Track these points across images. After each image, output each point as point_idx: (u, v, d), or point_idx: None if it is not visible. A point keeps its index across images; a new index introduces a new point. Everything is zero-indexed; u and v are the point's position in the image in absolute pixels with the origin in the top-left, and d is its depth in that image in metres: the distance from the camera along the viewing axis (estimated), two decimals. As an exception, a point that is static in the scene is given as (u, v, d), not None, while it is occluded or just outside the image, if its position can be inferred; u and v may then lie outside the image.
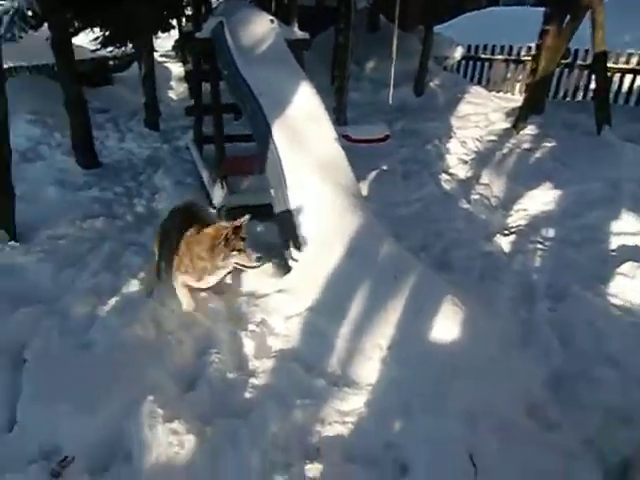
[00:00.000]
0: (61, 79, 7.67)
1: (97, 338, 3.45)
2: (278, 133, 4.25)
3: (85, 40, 13.42)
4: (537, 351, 3.31)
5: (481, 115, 9.82)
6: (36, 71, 12.29)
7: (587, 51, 10.26)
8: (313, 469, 2.47)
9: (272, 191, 4.38)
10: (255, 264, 3.50)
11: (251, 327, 3.61)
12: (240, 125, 7.84)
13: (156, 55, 12.91)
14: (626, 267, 4.23)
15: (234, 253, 3.41)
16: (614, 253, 4.68)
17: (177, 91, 14.28)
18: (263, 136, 4.40)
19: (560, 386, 3.06)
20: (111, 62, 15.66)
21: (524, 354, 3.27)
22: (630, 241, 4.79)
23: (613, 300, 3.93)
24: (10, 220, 5.14)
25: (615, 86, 10.62)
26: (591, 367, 3.17)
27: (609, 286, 4.10)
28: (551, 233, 5.23)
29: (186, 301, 3.82)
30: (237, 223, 3.41)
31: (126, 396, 2.80)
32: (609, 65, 8.74)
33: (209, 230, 3.53)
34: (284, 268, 4.22)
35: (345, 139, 6.45)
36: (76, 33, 10.69)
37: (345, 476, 2.45)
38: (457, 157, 7.77)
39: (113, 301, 3.84)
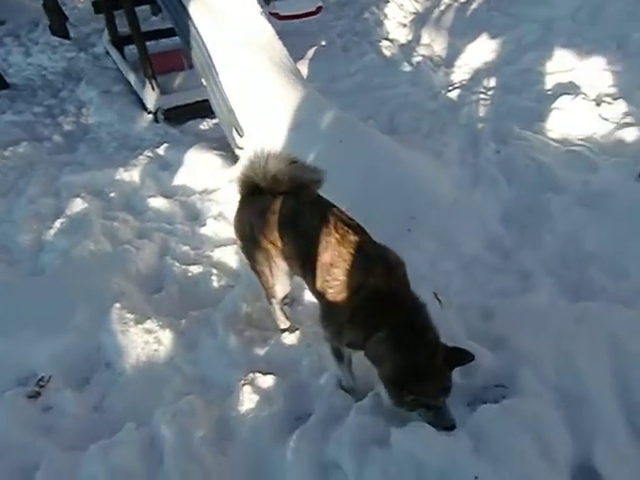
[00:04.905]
0: None
1: (48, 262, 3.33)
2: (195, 12, 3.89)
3: None
4: (487, 191, 3.44)
5: (418, -26, 9.32)
6: None
7: None
8: (291, 337, 2.50)
9: (203, 81, 4.11)
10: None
11: (209, 221, 3.57)
12: (161, 21, 7.23)
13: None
14: (560, 101, 4.42)
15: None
16: (550, 92, 4.82)
17: (83, -11, 12.75)
18: (182, 22, 4.04)
19: (510, 220, 3.23)
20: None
21: (475, 195, 3.39)
22: (564, 78, 4.95)
23: (551, 134, 4.12)
24: None
25: None
26: (537, 197, 3.32)
27: (547, 122, 4.28)
28: (492, 82, 5.32)
29: None
30: None
31: (92, 309, 2.74)
32: None
33: None
34: (232, 159, 4.10)
35: (274, 17, 6.03)
36: None
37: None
38: (396, 21, 7.53)
39: (58, 223, 3.66)
